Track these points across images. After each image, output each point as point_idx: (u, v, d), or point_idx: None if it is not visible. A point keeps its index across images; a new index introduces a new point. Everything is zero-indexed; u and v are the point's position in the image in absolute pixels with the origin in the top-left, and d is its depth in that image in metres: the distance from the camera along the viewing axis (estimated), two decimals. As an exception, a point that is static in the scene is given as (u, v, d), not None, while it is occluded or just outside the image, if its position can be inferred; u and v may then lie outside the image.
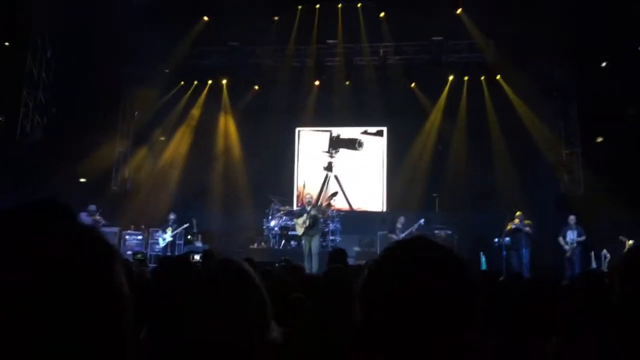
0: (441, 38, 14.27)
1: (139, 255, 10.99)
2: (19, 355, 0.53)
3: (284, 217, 13.54)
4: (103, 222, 12.48)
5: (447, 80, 14.92)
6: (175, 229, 13.16)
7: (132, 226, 14.08)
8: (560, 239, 11.85)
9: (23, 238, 0.60)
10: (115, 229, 13.36)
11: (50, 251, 0.59)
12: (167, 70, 15.25)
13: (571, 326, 2.23)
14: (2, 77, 12.52)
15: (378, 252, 10.33)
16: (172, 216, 13.31)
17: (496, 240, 12.35)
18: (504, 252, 11.97)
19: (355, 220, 14.28)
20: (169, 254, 12.30)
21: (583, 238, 11.62)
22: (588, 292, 2.90)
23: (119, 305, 0.62)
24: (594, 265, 11.45)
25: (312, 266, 10.60)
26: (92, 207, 12.39)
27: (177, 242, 13.37)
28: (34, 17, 13.03)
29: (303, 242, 11.37)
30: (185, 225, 13.36)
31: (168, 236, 13.07)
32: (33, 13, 12.93)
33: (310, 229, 11.11)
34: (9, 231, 0.60)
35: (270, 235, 13.59)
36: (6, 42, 12.99)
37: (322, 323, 2.68)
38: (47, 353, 0.54)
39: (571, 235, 11.70)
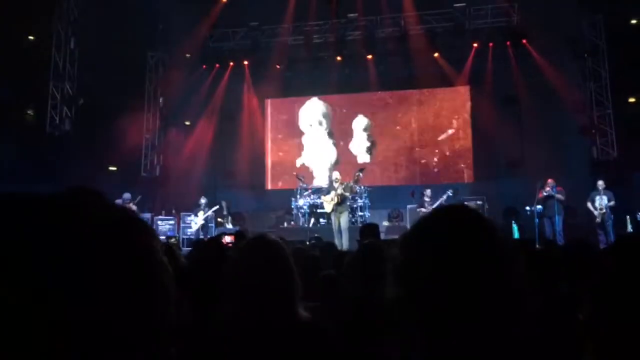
0: (464, 4, 13.96)
1: (172, 240, 11.20)
2: (76, 330, 0.55)
3: (312, 195, 13.57)
4: (135, 210, 12.67)
5: (472, 47, 14.61)
6: (206, 212, 13.32)
7: (164, 211, 14.31)
8: (589, 205, 11.60)
9: (65, 221, 0.60)
10: (147, 215, 13.59)
11: (95, 231, 0.60)
12: (187, 55, 15.30)
13: (605, 293, 2.19)
14: (29, 71, 12.73)
15: (408, 226, 10.27)
16: (203, 200, 13.47)
17: (528, 208, 12.17)
18: (537, 220, 11.80)
19: (383, 194, 14.22)
20: (201, 236, 12.48)
21: (613, 203, 11.34)
22: (624, 258, 2.84)
23: (162, 281, 0.62)
24: (630, 229, 11.21)
25: (342, 242, 10.62)
26: (127, 196, 12.61)
27: (209, 224, 13.55)
28: (56, 8, 13.17)
29: (332, 218, 11.38)
30: (215, 208, 13.51)
31: (200, 219, 13.26)
32: (55, 5, 13.07)
33: (338, 205, 11.10)
34: (52, 215, 0.60)
35: (299, 213, 13.65)
36: (30, 36, 13.17)
37: (356, 299, 2.69)
38: (98, 327, 0.55)
39: (600, 201, 11.44)
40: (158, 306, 0.61)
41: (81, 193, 0.71)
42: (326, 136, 16.11)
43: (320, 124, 16.10)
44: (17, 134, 12.67)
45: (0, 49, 11.29)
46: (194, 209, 13.51)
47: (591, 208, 11.54)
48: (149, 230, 0.65)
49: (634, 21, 12.91)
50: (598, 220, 11.38)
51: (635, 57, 12.20)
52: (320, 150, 16.01)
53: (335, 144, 16.05)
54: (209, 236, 12.73)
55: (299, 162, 16.06)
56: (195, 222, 13.31)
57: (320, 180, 15.26)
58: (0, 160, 11.56)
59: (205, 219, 13.33)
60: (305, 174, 14.81)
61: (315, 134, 16.14)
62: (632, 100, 13.32)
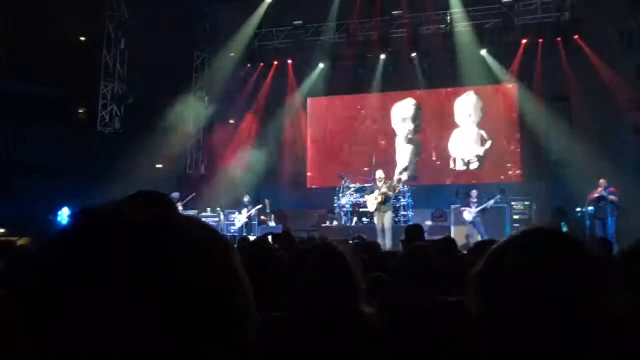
0: (512, 0, 13.61)
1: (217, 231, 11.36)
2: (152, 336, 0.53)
3: (355, 194, 13.51)
4: (181, 209, 12.89)
5: (520, 44, 14.24)
6: (250, 210, 13.46)
7: (208, 209, 14.53)
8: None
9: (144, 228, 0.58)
10: (193, 212, 13.81)
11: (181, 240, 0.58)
12: (232, 54, 15.50)
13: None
14: (81, 71, 13.16)
15: (451, 226, 10.08)
16: (246, 198, 13.62)
17: (579, 209, 11.78)
18: (587, 222, 11.40)
19: (426, 194, 14.03)
20: (244, 234, 12.61)
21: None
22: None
23: (242, 288, 0.61)
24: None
25: (386, 242, 10.54)
26: (175, 195, 12.85)
27: (252, 222, 13.68)
28: (107, 10, 13.55)
29: (375, 218, 11.31)
30: (259, 207, 13.64)
31: (243, 217, 13.41)
32: (106, 6, 13.45)
33: (382, 204, 11.03)
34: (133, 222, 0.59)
35: (341, 212, 13.62)
36: (82, 36, 13.61)
37: (405, 301, 2.63)
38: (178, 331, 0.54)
39: (665, 202, 10.93)
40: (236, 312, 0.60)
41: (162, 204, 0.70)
42: (417, 132, 15.93)
43: (414, 120, 15.87)
44: (68, 132, 13.13)
45: (53, 49, 11.71)
46: (239, 206, 13.67)
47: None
48: (234, 251, 0.63)
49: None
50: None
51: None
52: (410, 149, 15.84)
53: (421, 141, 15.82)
54: (252, 234, 12.87)
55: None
56: (239, 219, 13.48)
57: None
58: (52, 157, 12.00)
59: (249, 217, 13.47)
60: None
61: (408, 131, 15.96)
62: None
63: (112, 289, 0.53)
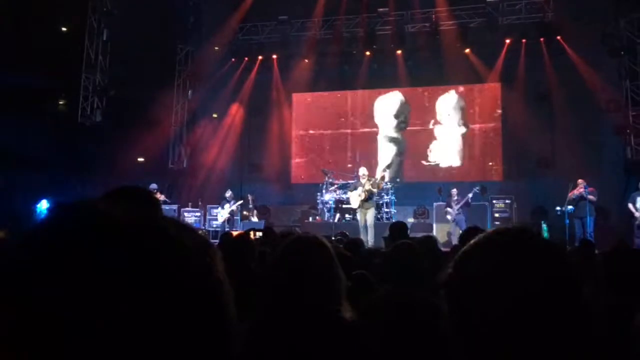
0: (496, 0, 13.71)
1: (200, 232, 11.29)
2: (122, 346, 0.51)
3: (338, 191, 13.52)
4: (164, 199, 12.79)
5: (504, 43, 14.35)
6: (232, 205, 13.39)
7: (190, 203, 14.43)
8: (630, 206, 11.28)
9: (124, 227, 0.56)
10: (174, 206, 13.73)
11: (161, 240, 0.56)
12: (216, 48, 15.39)
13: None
14: (62, 62, 12.94)
15: (434, 223, 10.15)
16: (228, 193, 13.56)
17: (558, 208, 11.93)
18: (567, 221, 11.55)
19: (409, 191, 14.11)
20: (227, 229, 12.55)
21: (656, 204, 11.03)
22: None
23: (223, 298, 0.59)
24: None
25: (368, 239, 10.56)
26: (153, 186, 12.74)
27: (235, 218, 13.62)
28: (90, 1, 13.34)
29: (358, 215, 11.33)
30: (240, 202, 13.56)
31: (226, 212, 13.33)
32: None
33: (365, 201, 11.05)
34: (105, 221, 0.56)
35: (324, 208, 13.62)
36: (63, 27, 13.38)
37: (389, 300, 2.63)
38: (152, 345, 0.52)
39: (642, 202, 11.12)
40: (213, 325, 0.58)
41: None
42: (401, 130, 15.90)
43: (397, 117, 15.87)
44: (49, 124, 12.91)
45: (34, 40, 11.50)
46: (222, 201, 13.60)
47: (632, 209, 11.21)
48: (217, 257, 0.61)
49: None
50: (638, 221, 11.06)
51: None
52: (394, 146, 15.84)
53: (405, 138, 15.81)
54: (234, 229, 12.81)
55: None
56: (222, 214, 13.40)
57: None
58: (31, 148, 11.80)
59: (231, 212, 13.40)
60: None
61: (392, 127, 15.95)
62: (668, 99, 12.94)
63: (87, 291, 0.51)
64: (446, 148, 15.29)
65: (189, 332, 0.54)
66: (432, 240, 4.98)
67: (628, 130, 13.27)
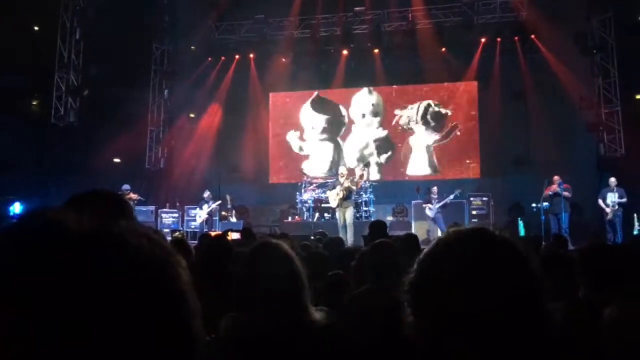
0: (472, -1, 13.86)
1: (177, 234, 11.14)
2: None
3: (317, 190, 13.53)
4: (139, 198, 12.62)
5: (479, 42, 14.50)
6: (210, 206, 13.28)
7: (168, 204, 14.29)
8: (600, 202, 11.52)
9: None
10: (152, 207, 13.58)
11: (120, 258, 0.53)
12: (192, 47, 15.25)
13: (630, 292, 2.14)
14: (34, 61, 12.70)
15: (412, 221, 10.18)
16: (206, 193, 13.43)
17: (534, 205, 12.11)
18: (543, 217, 11.73)
19: (387, 190, 14.18)
20: (205, 230, 12.46)
21: (624, 200, 11.27)
22: None
23: (188, 311, 0.56)
24: (636, 227, 11.15)
25: (347, 238, 10.58)
26: (126, 187, 12.58)
27: (214, 218, 13.52)
28: (62, 0, 13.11)
29: (337, 214, 11.34)
30: (218, 202, 13.44)
31: (204, 213, 13.20)
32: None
33: (344, 200, 11.06)
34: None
35: (303, 208, 13.61)
36: (35, 26, 13.13)
37: (367, 299, 2.63)
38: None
39: (612, 198, 11.36)
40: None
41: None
42: (378, 127, 15.91)
43: (370, 116, 15.88)
44: (21, 124, 12.66)
45: (6, 39, 11.25)
46: (199, 202, 13.48)
47: (602, 205, 11.45)
48: (183, 270, 0.58)
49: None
50: (609, 217, 11.29)
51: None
52: (372, 142, 15.85)
53: (388, 137, 15.80)
54: (213, 229, 12.72)
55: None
56: (200, 215, 13.28)
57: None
58: (3, 150, 11.55)
59: (210, 213, 13.29)
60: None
61: (363, 126, 15.93)
62: (639, 97, 13.22)
63: (45, 303, 0.49)
64: (419, 159, 15.37)
65: (144, 346, 0.52)
66: (413, 238, 5.01)
67: (601, 128, 13.53)
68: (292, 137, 16.02)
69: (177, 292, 0.56)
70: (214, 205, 13.29)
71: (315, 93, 15.85)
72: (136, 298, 0.52)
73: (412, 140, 15.46)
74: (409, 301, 0.95)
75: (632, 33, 12.74)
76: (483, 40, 14.48)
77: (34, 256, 0.50)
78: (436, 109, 15.29)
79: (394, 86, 15.55)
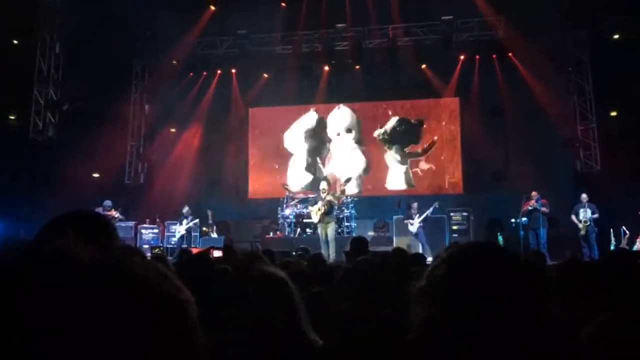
0: (451, 17, 14.08)
1: (157, 250, 11.04)
2: None
3: (299, 205, 13.53)
4: (120, 217, 12.49)
5: (459, 60, 14.74)
6: (189, 222, 13.14)
7: (148, 220, 14.14)
8: (573, 217, 11.74)
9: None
10: (131, 223, 13.44)
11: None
12: (175, 62, 15.22)
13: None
14: (13, 76, 12.55)
15: (394, 237, 10.22)
16: (185, 209, 13.30)
17: (513, 220, 12.27)
18: (522, 232, 11.89)
19: (369, 205, 14.23)
20: (184, 246, 12.34)
21: (596, 215, 11.49)
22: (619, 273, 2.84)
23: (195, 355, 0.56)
24: (613, 241, 11.34)
25: (329, 253, 10.58)
26: (108, 203, 12.44)
27: (193, 233, 13.40)
28: (42, 14, 13.01)
29: (319, 229, 11.35)
30: (196, 221, 13.26)
31: (182, 229, 13.05)
32: (40, 9, 12.91)
33: (325, 215, 11.07)
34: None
35: (285, 223, 13.58)
36: (15, 39, 13.00)
37: (347, 318, 2.64)
38: None
39: (584, 213, 11.57)
40: None
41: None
42: (355, 144, 15.96)
43: (349, 131, 15.95)
44: (-1, 139, 12.47)
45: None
46: (179, 217, 13.36)
47: (575, 221, 11.67)
48: (192, 311, 0.58)
49: (616, 36, 13.12)
50: (582, 232, 11.50)
51: (617, 71, 12.42)
52: (349, 159, 15.90)
53: (364, 152, 15.86)
54: (193, 246, 12.62)
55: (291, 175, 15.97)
56: (179, 231, 13.14)
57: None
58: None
59: (188, 229, 13.13)
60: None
61: (342, 143, 15.99)
62: (613, 114, 13.52)
63: (58, 339, 0.49)
64: (396, 174, 15.50)
65: None
66: (401, 253, 4.99)
67: (577, 144, 13.82)
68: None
69: (185, 329, 0.56)
70: (191, 223, 13.11)
71: (314, 115, 15.94)
72: (145, 334, 0.52)
73: (388, 156, 15.58)
74: (417, 303, 0.99)
75: (606, 51, 13.08)
76: (462, 57, 14.71)
77: (47, 294, 0.50)
78: (408, 124, 15.45)
79: (375, 102, 15.68)
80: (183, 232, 13.05)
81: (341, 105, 15.82)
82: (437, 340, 0.95)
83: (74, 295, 0.51)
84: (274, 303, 1.78)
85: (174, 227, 13.43)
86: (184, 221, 13.15)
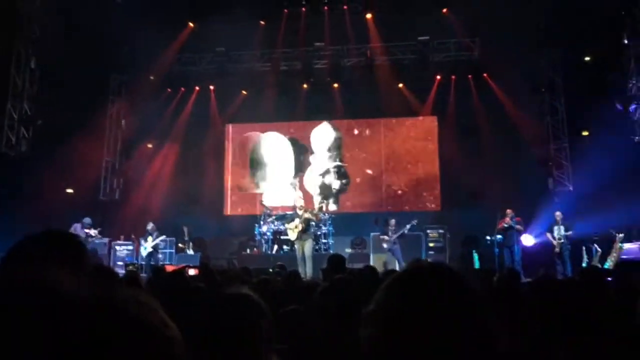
0: (427, 38, 14.31)
1: (131, 267, 10.86)
2: None
3: (276, 222, 13.49)
4: (97, 236, 12.26)
5: (435, 79, 14.97)
6: (155, 239, 12.75)
7: (122, 236, 13.93)
8: (548, 235, 11.94)
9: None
10: (105, 240, 13.23)
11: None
12: (152, 77, 15.14)
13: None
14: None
15: (371, 254, 10.26)
16: (150, 226, 12.89)
17: (488, 238, 12.42)
18: (497, 250, 12.03)
19: (346, 222, 14.26)
20: (152, 263, 12.13)
21: (570, 233, 11.69)
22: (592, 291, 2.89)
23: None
24: (585, 259, 11.53)
25: (306, 270, 10.56)
26: (87, 220, 12.22)
27: (163, 251, 13.15)
28: (18, 28, 12.86)
29: (296, 246, 11.33)
30: (162, 237, 12.94)
31: (149, 246, 12.76)
32: (16, 24, 12.76)
33: (303, 233, 11.07)
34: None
35: (262, 240, 13.52)
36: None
37: (325, 337, 2.64)
38: None
39: (558, 231, 11.77)
40: None
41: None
42: (333, 162, 15.97)
43: (330, 150, 15.98)
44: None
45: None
46: (144, 234, 13.02)
47: (550, 238, 11.85)
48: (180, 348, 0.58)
49: (587, 58, 13.48)
50: (557, 250, 11.67)
51: (589, 92, 12.76)
52: (327, 176, 15.90)
53: (342, 169, 15.92)
54: (167, 263, 12.46)
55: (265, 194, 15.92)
56: (145, 247, 12.79)
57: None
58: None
59: (155, 246, 12.75)
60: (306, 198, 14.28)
61: (321, 160, 16.01)
62: (585, 133, 13.82)
63: None
64: (383, 179, 15.60)
65: None
66: (373, 271, 5.04)
67: (550, 163, 14.09)
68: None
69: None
70: (157, 240, 12.82)
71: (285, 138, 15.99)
72: None
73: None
74: (366, 324, 1.02)
75: (579, 72, 13.43)
76: (438, 77, 14.95)
77: (32, 329, 0.50)
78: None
79: (353, 120, 15.81)
80: (150, 249, 12.71)
81: (324, 123, 15.89)
82: None
83: (70, 336, 0.50)
84: (240, 327, 1.76)
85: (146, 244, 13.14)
86: (149, 238, 12.80)
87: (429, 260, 10.93)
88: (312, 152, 15.98)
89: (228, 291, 1.88)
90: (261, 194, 15.59)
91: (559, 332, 2.27)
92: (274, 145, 16.11)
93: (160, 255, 13.09)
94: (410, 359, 0.95)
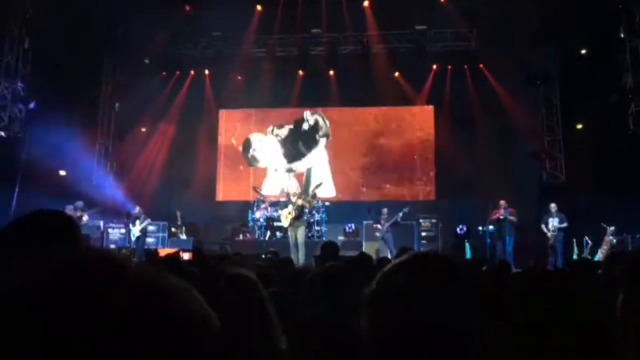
0: (424, 27, 14.25)
1: (124, 250, 10.88)
2: None
3: (270, 208, 13.50)
4: (87, 219, 12.21)
5: (431, 69, 14.94)
6: (143, 221, 12.73)
7: (115, 219, 13.91)
8: (543, 226, 12.01)
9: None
10: (99, 223, 13.20)
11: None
12: (146, 61, 15.04)
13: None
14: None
15: (364, 242, 10.31)
16: (136, 209, 12.84)
17: (481, 228, 12.49)
18: (489, 240, 12.10)
19: (340, 209, 14.29)
20: (153, 247, 12.15)
21: (564, 225, 11.78)
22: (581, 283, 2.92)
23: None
24: (575, 251, 11.64)
25: (299, 257, 10.60)
26: (79, 204, 12.17)
27: (157, 234, 13.15)
28: (10, 7, 12.71)
29: (289, 233, 11.36)
30: (149, 220, 12.85)
31: (137, 230, 12.68)
32: (9, 4, 12.62)
33: (296, 220, 11.10)
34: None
35: (255, 226, 13.54)
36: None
37: (316, 323, 2.65)
38: None
39: (552, 222, 11.85)
40: None
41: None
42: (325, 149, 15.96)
43: (322, 136, 15.90)
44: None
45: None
46: (132, 219, 12.92)
47: (545, 230, 11.93)
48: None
49: (583, 51, 13.49)
50: (550, 241, 11.76)
51: (584, 85, 12.80)
52: (321, 163, 15.87)
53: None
54: (160, 247, 12.47)
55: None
56: (133, 232, 12.77)
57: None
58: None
59: (143, 230, 12.70)
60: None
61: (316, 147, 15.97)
62: (579, 126, 13.88)
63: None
64: (377, 167, 15.61)
65: None
66: (367, 258, 5.06)
67: (543, 155, 14.15)
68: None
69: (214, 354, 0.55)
70: (145, 223, 12.74)
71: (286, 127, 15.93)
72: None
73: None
74: (365, 307, 1.05)
75: (573, 64, 13.45)
76: (435, 67, 14.92)
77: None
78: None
79: (349, 108, 15.77)
80: (138, 233, 12.68)
81: (316, 110, 15.85)
82: (383, 348, 1.00)
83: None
84: (243, 303, 1.79)
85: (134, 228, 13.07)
86: (137, 222, 12.78)
87: (421, 249, 11.02)
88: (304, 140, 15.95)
89: (228, 271, 1.91)
90: (256, 180, 15.57)
91: (544, 323, 2.29)
92: (262, 142, 16.04)
93: (151, 239, 13.09)
94: (406, 345, 0.97)
